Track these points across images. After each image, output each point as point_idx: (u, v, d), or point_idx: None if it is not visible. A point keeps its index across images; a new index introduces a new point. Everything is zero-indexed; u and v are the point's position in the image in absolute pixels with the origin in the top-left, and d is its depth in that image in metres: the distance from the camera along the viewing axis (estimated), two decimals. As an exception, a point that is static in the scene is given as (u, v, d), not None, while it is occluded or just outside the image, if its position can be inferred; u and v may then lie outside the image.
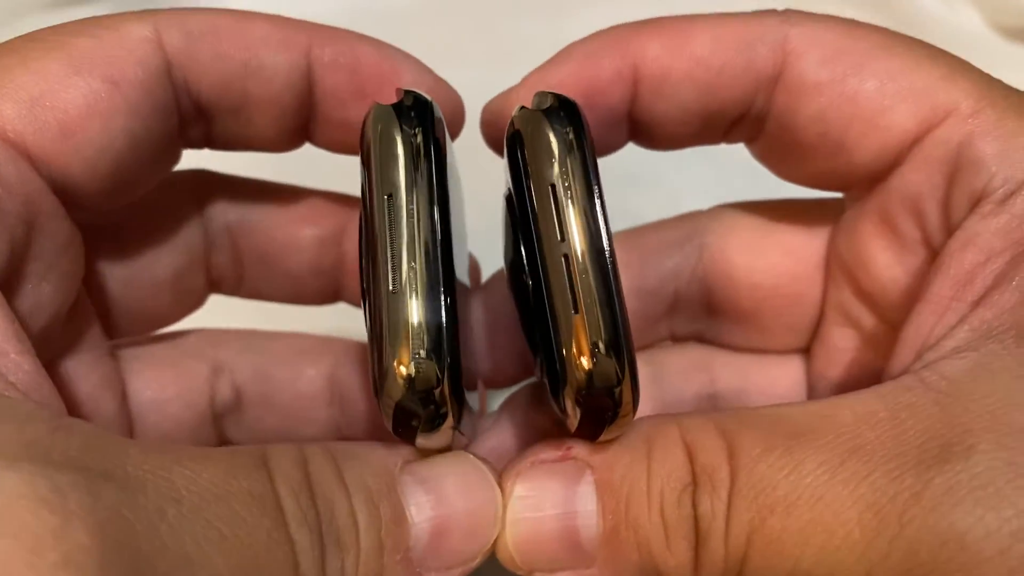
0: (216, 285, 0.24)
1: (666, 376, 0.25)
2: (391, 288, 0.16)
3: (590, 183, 0.16)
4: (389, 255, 0.16)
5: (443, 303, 0.16)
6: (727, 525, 0.17)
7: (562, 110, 0.17)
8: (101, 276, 0.21)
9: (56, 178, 0.18)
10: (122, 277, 0.21)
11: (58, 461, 0.13)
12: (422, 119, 0.17)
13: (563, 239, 0.16)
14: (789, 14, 0.20)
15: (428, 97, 0.17)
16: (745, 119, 0.21)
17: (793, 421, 0.17)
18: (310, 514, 0.16)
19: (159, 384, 0.22)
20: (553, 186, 0.16)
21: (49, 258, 0.18)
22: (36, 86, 0.17)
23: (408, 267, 0.16)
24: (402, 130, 0.17)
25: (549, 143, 0.17)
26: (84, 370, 0.20)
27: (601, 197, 0.16)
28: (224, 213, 0.23)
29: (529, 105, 0.18)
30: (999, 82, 0.19)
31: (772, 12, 0.20)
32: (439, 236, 0.16)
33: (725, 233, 0.24)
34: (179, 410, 0.22)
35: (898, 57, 0.19)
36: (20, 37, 0.18)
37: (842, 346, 0.23)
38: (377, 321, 0.16)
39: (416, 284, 0.16)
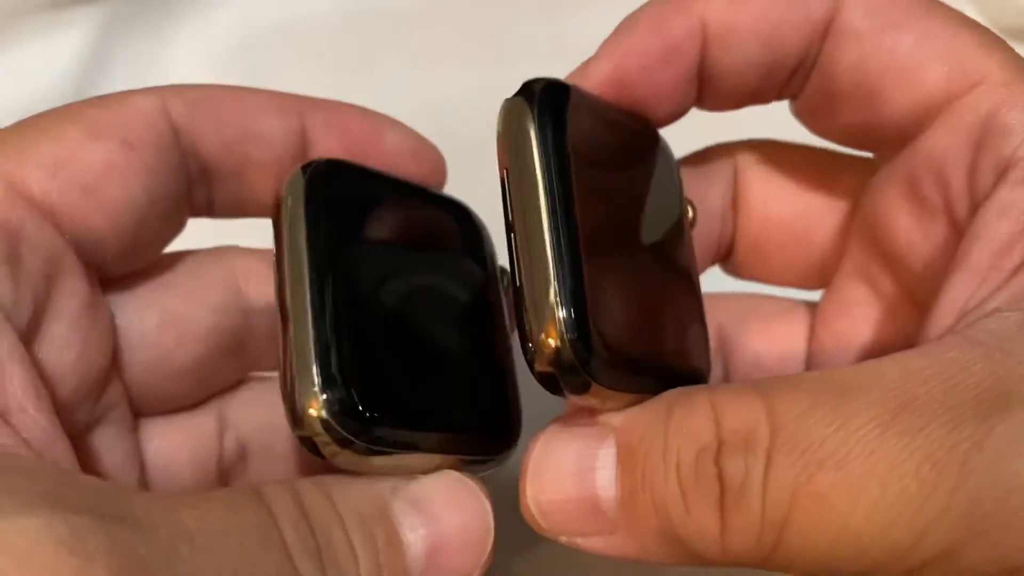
0: (256, 366, 0.24)
1: None
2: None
3: (534, 165, 0.18)
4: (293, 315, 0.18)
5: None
6: (765, 484, 0.16)
7: (522, 95, 0.19)
8: (122, 358, 0.21)
9: (80, 236, 0.19)
10: (143, 362, 0.21)
11: (74, 507, 0.13)
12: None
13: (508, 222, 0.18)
14: None
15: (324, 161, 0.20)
16: (799, 70, 0.21)
17: (836, 381, 0.16)
18: (309, 544, 0.16)
19: (172, 448, 0.22)
20: (507, 170, 0.18)
21: (71, 319, 0.19)
22: (58, 151, 0.19)
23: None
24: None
25: (503, 130, 0.18)
26: (110, 443, 0.20)
27: (552, 178, 0.17)
28: (265, 291, 0.23)
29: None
30: None
31: None
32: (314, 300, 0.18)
33: (750, 164, 0.24)
34: (190, 473, 0.22)
35: (939, 19, 0.20)
36: (36, 115, 0.20)
37: (854, 300, 0.23)
38: None
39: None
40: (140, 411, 0.22)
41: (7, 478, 0.14)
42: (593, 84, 0.21)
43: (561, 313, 0.17)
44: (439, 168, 0.24)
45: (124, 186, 0.19)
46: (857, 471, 0.15)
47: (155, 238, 0.21)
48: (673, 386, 0.18)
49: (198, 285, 0.22)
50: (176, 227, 0.22)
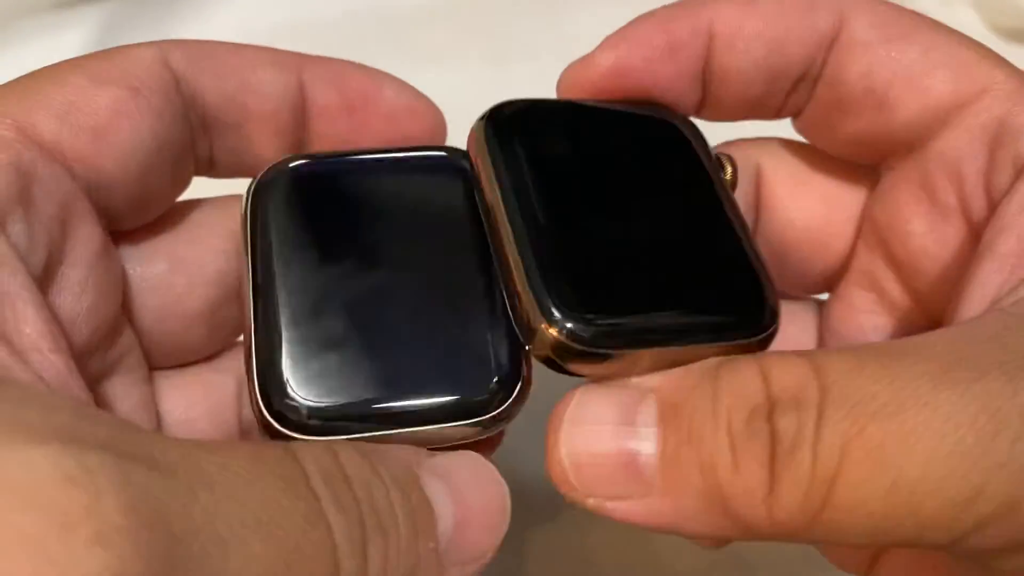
0: None
1: None
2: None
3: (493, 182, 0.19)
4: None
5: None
6: (817, 438, 0.15)
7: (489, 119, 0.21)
8: (134, 306, 0.21)
9: (91, 180, 0.19)
10: (154, 309, 0.21)
11: (87, 442, 0.13)
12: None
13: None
14: None
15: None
16: (803, 81, 0.21)
17: (881, 348, 0.16)
18: (346, 498, 0.16)
19: (188, 402, 0.22)
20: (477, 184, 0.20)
21: (86, 265, 0.19)
22: (65, 96, 0.19)
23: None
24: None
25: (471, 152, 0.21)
26: (122, 392, 0.20)
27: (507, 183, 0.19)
28: None
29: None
30: None
31: None
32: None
33: (775, 164, 0.24)
34: (208, 428, 0.22)
35: (942, 34, 0.20)
36: (38, 69, 0.20)
37: (860, 307, 0.23)
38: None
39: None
40: (154, 363, 0.22)
41: (21, 410, 0.13)
42: (596, 73, 0.21)
43: (547, 302, 0.17)
44: (438, 125, 0.23)
45: (132, 129, 0.19)
46: (911, 421, 0.15)
47: (162, 188, 0.21)
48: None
49: (204, 231, 0.22)
50: (182, 180, 0.21)
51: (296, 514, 0.15)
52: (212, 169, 0.22)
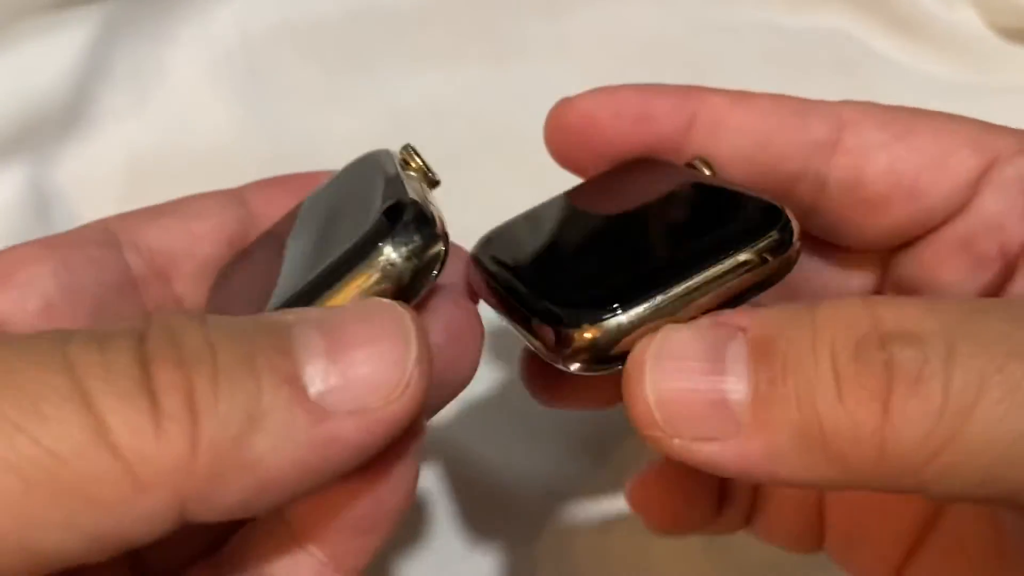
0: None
1: None
2: None
3: None
4: None
5: None
6: (949, 371, 0.15)
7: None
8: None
9: None
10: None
11: None
12: None
13: None
14: (840, 102, 0.22)
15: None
16: (801, 185, 0.22)
17: (995, 299, 0.17)
18: (120, 336, 0.14)
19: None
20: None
21: None
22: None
23: None
24: None
25: None
26: None
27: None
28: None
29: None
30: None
31: (824, 101, 0.23)
32: None
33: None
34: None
35: (938, 119, 0.22)
36: None
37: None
38: None
39: None
40: None
41: None
42: (573, 115, 0.23)
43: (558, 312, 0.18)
44: None
45: (33, 273, 0.20)
46: None
47: (81, 312, 0.21)
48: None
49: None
50: (124, 305, 0.22)
51: (31, 367, 0.13)
52: (181, 309, 0.23)
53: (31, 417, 0.13)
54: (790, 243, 0.18)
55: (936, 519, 0.23)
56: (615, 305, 0.17)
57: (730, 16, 0.42)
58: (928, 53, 0.41)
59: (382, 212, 0.17)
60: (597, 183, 0.23)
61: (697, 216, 0.20)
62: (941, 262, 0.22)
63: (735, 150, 0.22)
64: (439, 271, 0.18)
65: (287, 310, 0.16)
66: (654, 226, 0.20)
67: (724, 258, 0.18)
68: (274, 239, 0.22)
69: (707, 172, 0.22)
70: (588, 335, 0.17)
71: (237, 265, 0.22)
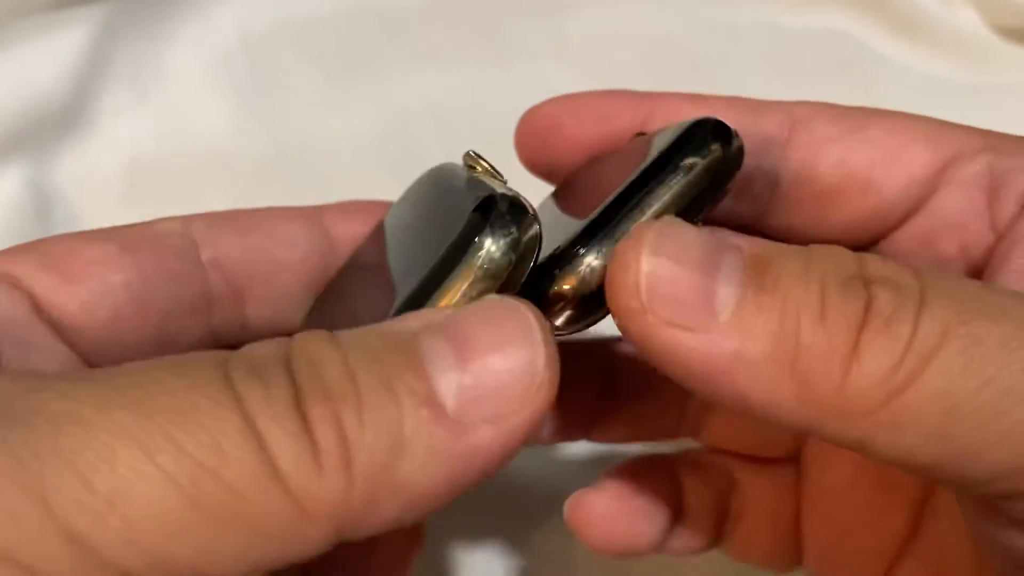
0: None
1: None
2: None
3: None
4: None
5: None
6: (919, 317, 0.15)
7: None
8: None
9: (54, 315, 0.20)
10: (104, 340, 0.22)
11: None
12: None
13: None
14: (795, 101, 0.22)
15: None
16: (755, 180, 0.22)
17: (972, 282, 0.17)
18: (275, 370, 0.14)
19: None
20: None
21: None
22: (57, 246, 0.20)
23: None
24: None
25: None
26: None
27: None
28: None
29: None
30: (995, 131, 0.21)
31: (779, 101, 0.23)
32: None
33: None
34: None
35: (894, 117, 0.21)
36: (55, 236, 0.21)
37: None
38: None
39: None
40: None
41: None
42: (538, 121, 0.24)
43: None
44: None
45: (104, 278, 0.20)
46: (1014, 327, 0.15)
47: (140, 341, 0.21)
48: None
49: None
50: (172, 343, 0.21)
51: (185, 390, 0.14)
52: (244, 332, 0.22)
53: (212, 454, 0.13)
54: (729, 136, 0.19)
55: (915, 534, 0.23)
56: (577, 248, 0.18)
57: (730, 16, 0.42)
58: (928, 53, 0.41)
59: (474, 208, 0.17)
60: (571, 181, 0.24)
61: (637, 160, 0.20)
62: (903, 261, 0.22)
63: None
64: (538, 254, 0.18)
65: (410, 314, 0.16)
66: (607, 190, 0.20)
67: (666, 167, 0.18)
68: (367, 264, 0.22)
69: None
70: (566, 285, 0.18)
71: (332, 295, 0.22)
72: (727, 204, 0.22)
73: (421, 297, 0.17)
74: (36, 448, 0.13)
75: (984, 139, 0.21)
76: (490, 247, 0.17)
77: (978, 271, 0.21)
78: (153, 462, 0.13)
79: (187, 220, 0.22)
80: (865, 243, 0.22)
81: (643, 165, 0.19)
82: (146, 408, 0.13)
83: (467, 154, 0.20)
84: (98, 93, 0.39)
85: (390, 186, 0.25)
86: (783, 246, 0.17)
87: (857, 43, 0.41)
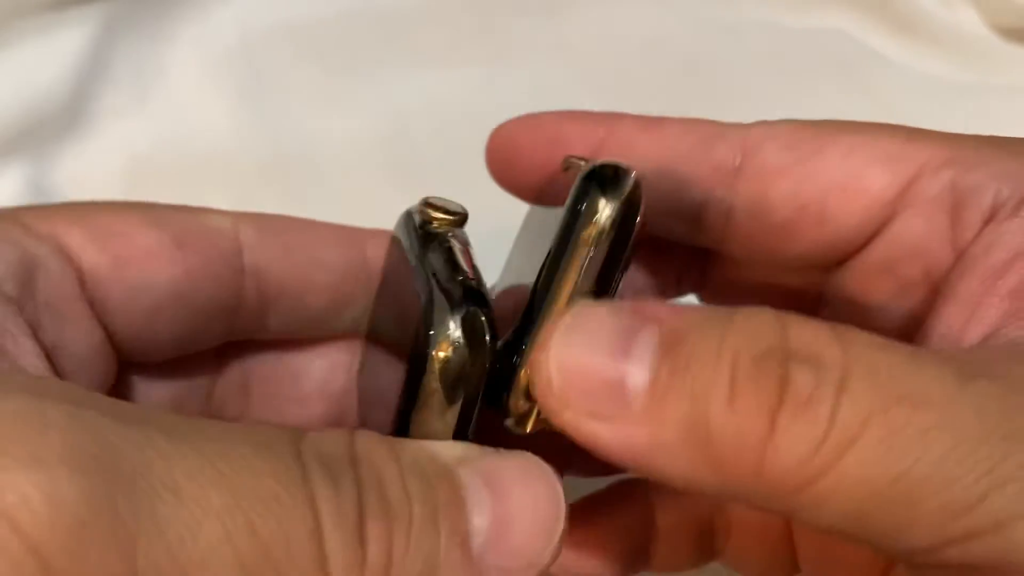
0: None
1: None
2: None
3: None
4: None
5: None
6: (838, 401, 0.15)
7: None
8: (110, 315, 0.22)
9: (98, 297, 0.20)
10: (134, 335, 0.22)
11: (51, 393, 0.14)
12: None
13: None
14: (753, 123, 0.22)
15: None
16: (708, 213, 0.22)
17: (904, 345, 0.16)
18: (344, 476, 0.15)
19: (154, 397, 0.23)
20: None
21: (80, 360, 0.19)
22: (111, 225, 0.20)
23: None
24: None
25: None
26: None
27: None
28: (242, 360, 0.24)
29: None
30: (965, 134, 0.20)
31: (738, 124, 0.22)
32: None
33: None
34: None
35: (855, 134, 0.20)
36: (113, 201, 0.21)
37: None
38: None
39: None
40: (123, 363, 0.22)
41: (11, 374, 0.15)
42: (500, 141, 0.23)
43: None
44: None
45: (155, 273, 0.20)
46: (935, 416, 0.15)
47: (172, 338, 0.21)
48: None
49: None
50: (202, 339, 0.22)
51: (268, 476, 0.14)
52: (261, 331, 0.23)
53: (280, 546, 0.14)
54: (624, 183, 0.18)
55: None
56: (514, 359, 0.18)
57: (730, 16, 0.42)
58: (928, 53, 0.41)
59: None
60: (530, 213, 0.23)
61: (552, 228, 0.19)
62: (867, 286, 0.21)
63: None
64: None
65: (454, 445, 0.17)
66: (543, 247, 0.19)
67: (567, 244, 0.18)
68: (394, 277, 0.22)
69: (583, 163, 0.21)
70: (519, 402, 0.18)
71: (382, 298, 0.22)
72: (691, 232, 0.22)
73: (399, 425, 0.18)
74: (136, 511, 0.13)
75: (950, 150, 0.20)
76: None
77: (938, 293, 0.20)
78: (231, 542, 0.14)
79: (237, 219, 0.22)
80: (826, 267, 0.22)
81: (551, 244, 0.18)
82: (233, 489, 0.14)
83: (424, 204, 0.20)
84: (98, 93, 0.39)
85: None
86: (705, 315, 0.16)
87: (857, 43, 0.41)
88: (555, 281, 0.18)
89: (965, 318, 0.18)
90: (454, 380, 0.17)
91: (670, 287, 0.26)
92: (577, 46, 0.41)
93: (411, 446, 0.17)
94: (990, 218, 0.18)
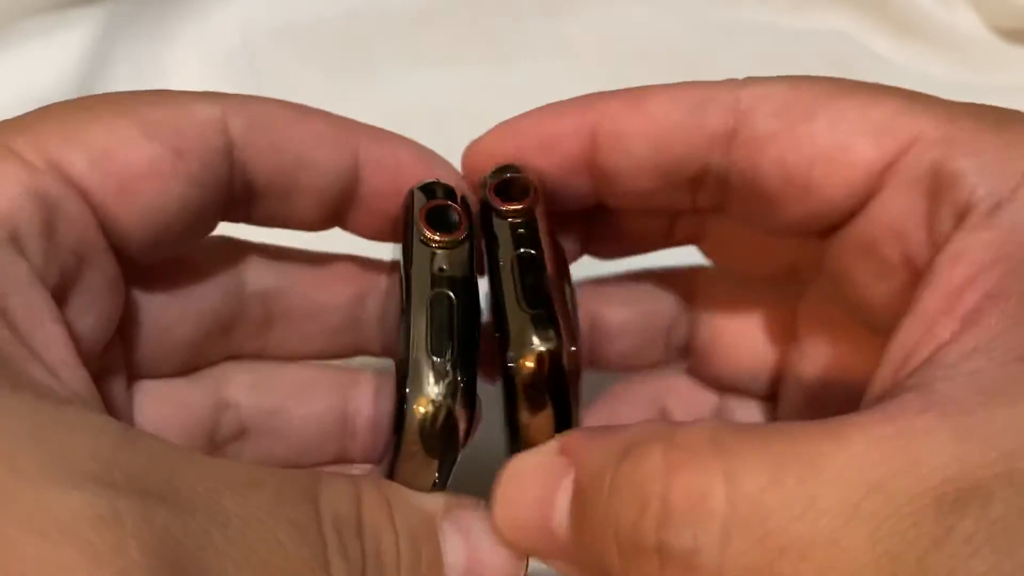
0: (236, 350, 0.25)
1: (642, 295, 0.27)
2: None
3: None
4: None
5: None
6: (721, 562, 0.16)
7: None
8: (126, 324, 0.22)
9: (108, 224, 0.19)
10: (145, 331, 0.22)
11: (120, 482, 0.15)
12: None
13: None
14: (746, 80, 0.21)
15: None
16: (707, 179, 0.21)
17: (803, 443, 0.16)
18: (353, 547, 0.17)
19: (162, 416, 0.23)
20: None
21: (95, 292, 0.19)
22: (107, 142, 0.19)
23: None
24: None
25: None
26: (104, 398, 0.21)
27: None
28: (262, 279, 0.24)
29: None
30: (968, 104, 0.19)
31: (731, 80, 0.22)
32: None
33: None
34: (178, 440, 0.23)
35: (847, 99, 0.20)
36: (95, 96, 0.20)
37: (832, 319, 0.23)
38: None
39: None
40: (132, 375, 0.22)
41: (71, 439, 0.15)
42: (478, 154, 0.23)
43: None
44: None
45: (161, 191, 0.19)
46: (820, 560, 0.15)
47: (179, 239, 0.21)
48: None
49: (208, 265, 0.23)
50: (203, 232, 0.22)
51: (299, 559, 0.16)
52: (246, 220, 0.23)
53: None
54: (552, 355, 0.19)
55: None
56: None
57: (730, 16, 0.42)
58: (928, 53, 0.41)
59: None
60: None
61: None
62: (850, 262, 0.21)
63: (637, 158, 0.21)
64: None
65: (436, 498, 0.19)
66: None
67: (515, 402, 0.19)
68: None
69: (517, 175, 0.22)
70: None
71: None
72: (690, 199, 0.22)
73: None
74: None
75: (944, 125, 0.19)
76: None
77: (919, 280, 0.19)
78: None
79: (225, 108, 0.20)
80: (816, 235, 0.22)
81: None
82: (263, 566, 0.16)
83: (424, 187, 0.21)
84: (98, 93, 0.39)
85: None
86: (600, 461, 0.17)
87: (857, 43, 0.41)
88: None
89: (920, 334, 0.17)
90: (432, 437, 0.18)
91: (663, 239, 0.26)
92: (577, 46, 0.41)
93: (403, 505, 0.18)
94: (963, 215, 0.18)
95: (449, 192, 0.21)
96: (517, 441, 0.19)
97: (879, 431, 0.16)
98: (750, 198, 0.21)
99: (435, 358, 0.18)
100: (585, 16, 0.42)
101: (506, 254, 0.20)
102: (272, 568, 0.16)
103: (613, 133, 0.21)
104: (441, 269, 0.20)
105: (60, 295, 0.18)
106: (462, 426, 0.18)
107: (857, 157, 0.19)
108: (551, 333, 0.18)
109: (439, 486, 0.19)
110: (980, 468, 0.15)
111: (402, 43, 0.42)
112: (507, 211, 0.21)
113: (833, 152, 0.20)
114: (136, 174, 0.19)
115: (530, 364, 0.18)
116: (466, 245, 0.20)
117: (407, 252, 0.20)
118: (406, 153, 0.23)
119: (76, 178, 0.18)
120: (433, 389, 0.18)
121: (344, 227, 0.23)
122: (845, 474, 0.15)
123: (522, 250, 0.20)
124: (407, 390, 0.18)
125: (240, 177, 0.21)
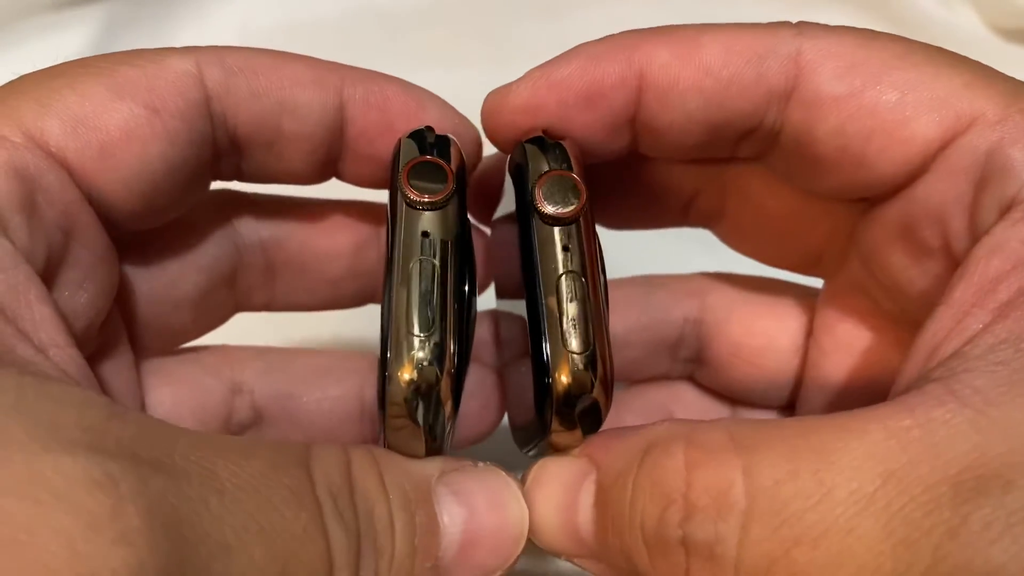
0: (244, 302, 0.24)
1: (655, 300, 0.26)
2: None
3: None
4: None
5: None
6: (740, 552, 0.16)
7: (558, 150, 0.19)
8: (125, 291, 0.21)
9: (93, 193, 0.19)
10: (146, 293, 0.22)
11: (112, 449, 0.14)
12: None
13: (556, 267, 0.18)
14: (803, 26, 0.20)
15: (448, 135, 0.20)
16: (756, 133, 0.20)
17: (819, 436, 0.16)
18: (347, 513, 0.17)
19: (174, 401, 0.22)
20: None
21: (86, 267, 0.19)
22: (81, 107, 0.18)
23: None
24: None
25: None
26: (107, 377, 0.20)
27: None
28: (256, 230, 0.24)
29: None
30: None
31: (786, 24, 0.20)
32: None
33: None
34: (192, 426, 0.22)
35: (916, 67, 0.19)
36: (68, 62, 0.19)
37: (856, 309, 0.23)
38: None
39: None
40: (139, 346, 0.22)
41: (57, 410, 0.14)
42: (510, 109, 0.21)
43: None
44: (477, 146, 0.23)
45: (142, 152, 0.19)
46: (835, 548, 0.15)
47: (170, 203, 0.20)
48: None
49: (200, 218, 0.22)
50: (197, 193, 0.21)
51: (296, 525, 0.16)
52: (239, 178, 0.22)
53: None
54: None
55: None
56: None
57: (730, 16, 0.42)
58: (928, 53, 0.41)
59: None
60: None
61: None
62: (886, 242, 0.21)
63: (689, 113, 0.20)
64: None
65: (431, 462, 0.19)
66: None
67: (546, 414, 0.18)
68: None
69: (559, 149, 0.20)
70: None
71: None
72: (733, 149, 0.21)
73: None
74: (199, 572, 0.14)
75: (1007, 107, 0.18)
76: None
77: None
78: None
79: (200, 60, 0.20)
80: (857, 201, 0.21)
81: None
82: (270, 543, 0.15)
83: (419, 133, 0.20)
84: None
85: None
86: (622, 460, 0.18)
87: (857, 43, 0.41)
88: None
89: (951, 325, 0.17)
90: (415, 410, 0.18)
91: (679, 216, 0.25)
92: (577, 46, 0.41)
93: (395, 470, 0.18)
94: (1007, 208, 0.17)
95: (441, 142, 0.20)
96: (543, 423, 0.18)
97: (897, 422, 0.16)
98: (798, 158, 0.20)
99: (418, 333, 0.17)
100: (585, 16, 0.42)
101: (550, 271, 0.18)
102: (271, 533, 0.15)
103: (663, 86, 0.20)
104: (425, 233, 0.18)
105: (48, 273, 0.18)
106: (449, 395, 0.17)
107: (917, 133, 0.18)
108: (593, 379, 0.18)
109: (434, 454, 0.19)
110: (1000, 457, 0.15)
111: (402, 43, 0.42)
112: (555, 217, 0.18)
113: (894, 127, 0.19)
114: (114, 138, 0.18)
115: (569, 406, 0.18)
116: (454, 202, 0.19)
117: (392, 213, 0.19)
118: (393, 90, 0.22)
119: (54, 149, 0.18)
120: (412, 365, 0.17)
121: (341, 177, 0.23)
122: (861, 464, 0.15)
123: (570, 268, 0.18)
124: (387, 370, 0.17)
125: (222, 129, 0.20)
